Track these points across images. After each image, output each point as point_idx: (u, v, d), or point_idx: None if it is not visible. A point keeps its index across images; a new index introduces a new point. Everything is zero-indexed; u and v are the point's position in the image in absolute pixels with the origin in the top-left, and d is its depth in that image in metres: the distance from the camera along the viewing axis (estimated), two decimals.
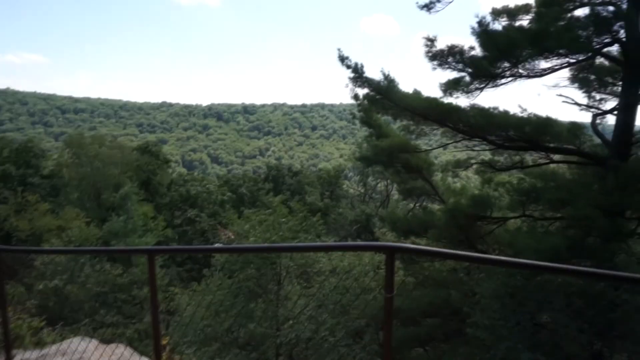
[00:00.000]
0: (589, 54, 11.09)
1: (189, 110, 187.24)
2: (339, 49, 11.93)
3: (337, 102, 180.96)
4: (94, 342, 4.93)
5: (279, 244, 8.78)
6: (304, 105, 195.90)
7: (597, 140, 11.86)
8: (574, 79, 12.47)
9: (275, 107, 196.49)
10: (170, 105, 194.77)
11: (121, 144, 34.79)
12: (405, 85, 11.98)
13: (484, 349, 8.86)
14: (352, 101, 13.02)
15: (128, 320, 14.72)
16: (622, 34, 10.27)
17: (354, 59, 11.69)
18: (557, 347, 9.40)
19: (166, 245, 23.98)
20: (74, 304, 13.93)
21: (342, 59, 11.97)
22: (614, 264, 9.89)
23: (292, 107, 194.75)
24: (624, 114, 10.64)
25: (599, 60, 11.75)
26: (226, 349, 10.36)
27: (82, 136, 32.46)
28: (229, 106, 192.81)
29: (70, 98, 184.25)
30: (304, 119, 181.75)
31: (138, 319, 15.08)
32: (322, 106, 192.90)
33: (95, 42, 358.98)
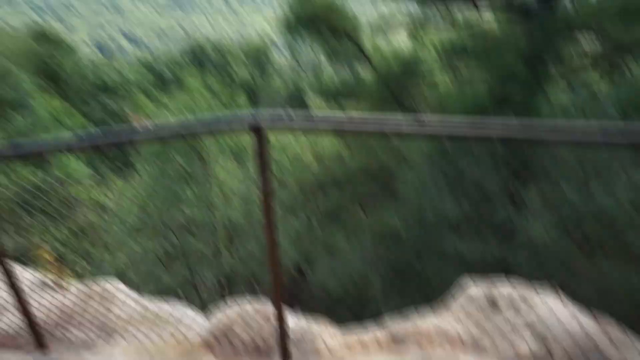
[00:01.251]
0: None
1: None
2: None
3: None
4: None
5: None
6: None
7: None
8: None
9: None
10: None
11: (10, 32, 29.89)
12: None
13: (413, 203, 9.24)
14: None
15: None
16: None
17: None
18: (478, 192, 9.99)
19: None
20: None
21: None
22: (534, 111, 10.18)
23: None
24: None
25: None
26: (162, 235, 10.20)
27: None
28: None
29: None
30: None
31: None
32: None
33: None
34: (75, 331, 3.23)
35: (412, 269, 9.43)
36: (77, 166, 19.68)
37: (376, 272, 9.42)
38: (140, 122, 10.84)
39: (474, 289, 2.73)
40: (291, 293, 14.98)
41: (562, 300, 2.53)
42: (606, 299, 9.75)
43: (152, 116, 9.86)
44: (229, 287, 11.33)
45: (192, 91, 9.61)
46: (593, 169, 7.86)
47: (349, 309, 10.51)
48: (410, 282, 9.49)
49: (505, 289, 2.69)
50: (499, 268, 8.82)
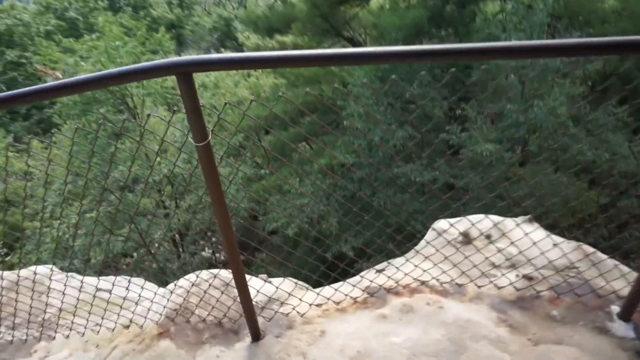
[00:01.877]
0: None
1: None
2: None
3: None
4: None
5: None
6: None
7: None
8: None
9: None
10: None
11: None
12: None
13: (361, 135, 9.03)
14: None
15: None
16: None
17: None
18: (424, 118, 9.94)
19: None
20: None
21: None
22: (471, 28, 9.99)
23: None
24: None
25: None
26: (102, 199, 9.44)
27: None
28: None
29: None
30: None
31: None
32: None
33: None
34: (2, 330, 2.79)
35: (367, 201, 9.42)
36: None
37: (332, 208, 9.33)
38: (51, 74, 9.59)
39: (448, 228, 2.55)
40: (246, 245, 14.85)
41: (538, 229, 2.41)
42: (542, 205, 10.38)
43: (64, 67, 8.67)
44: (184, 246, 10.95)
45: (107, 36, 8.45)
46: (530, 85, 7.93)
47: (311, 252, 10.52)
48: (367, 215, 9.51)
49: (481, 224, 2.53)
50: (447, 188, 9.00)
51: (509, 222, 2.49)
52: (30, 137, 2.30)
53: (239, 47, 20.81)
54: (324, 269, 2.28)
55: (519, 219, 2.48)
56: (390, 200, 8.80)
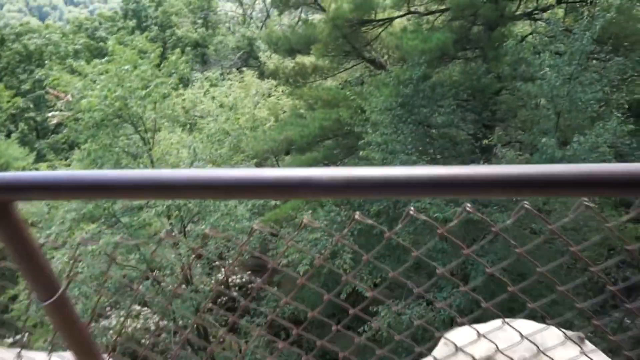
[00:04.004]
0: None
1: None
2: None
3: None
4: None
5: None
6: None
7: None
8: None
9: None
10: None
11: None
12: None
13: (378, 165, 8.42)
14: None
15: None
16: None
17: None
18: (448, 146, 9.27)
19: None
20: None
21: None
22: (499, 52, 9.34)
23: None
24: None
25: None
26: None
27: None
28: None
29: None
30: None
31: None
32: None
33: None
34: None
35: (382, 236, 8.76)
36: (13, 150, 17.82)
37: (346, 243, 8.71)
38: (62, 97, 9.40)
39: (468, 344, 1.92)
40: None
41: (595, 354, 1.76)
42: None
43: (70, 88, 8.45)
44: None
45: (118, 59, 8.17)
46: (568, 117, 7.20)
47: (322, 288, 9.89)
48: (382, 251, 8.87)
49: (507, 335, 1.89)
50: (473, 227, 8.26)
51: (549, 336, 1.84)
52: None
53: (261, 66, 20.58)
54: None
55: (570, 334, 1.83)
56: (409, 237, 8.12)
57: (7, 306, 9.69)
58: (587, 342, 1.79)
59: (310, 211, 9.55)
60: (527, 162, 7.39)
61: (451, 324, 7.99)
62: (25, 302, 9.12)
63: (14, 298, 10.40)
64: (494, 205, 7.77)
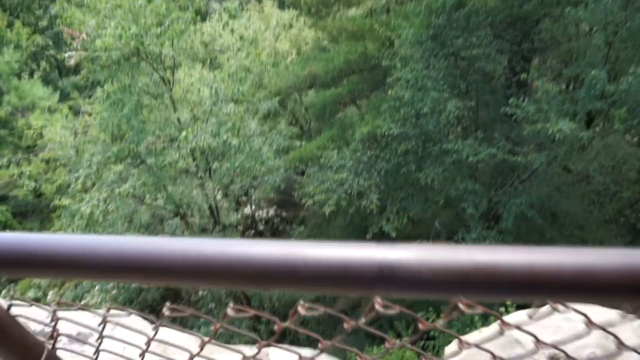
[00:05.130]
0: None
1: None
2: None
3: None
4: None
5: None
6: None
7: None
8: None
9: None
10: None
11: None
12: None
13: (408, 103, 8.02)
14: None
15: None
16: None
17: None
18: (483, 80, 8.72)
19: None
20: None
21: None
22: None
23: None
24: None
25: None
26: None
27: None
28: None
29: None
30: None
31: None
32: None
33: None
34: None
35: (410, 175, 8.56)
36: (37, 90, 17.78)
37: (372, 182, 8.55)
38: (78, 37, 9.08)
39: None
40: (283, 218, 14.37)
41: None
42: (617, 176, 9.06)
43: (84, 27, 8.10)
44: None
45: None
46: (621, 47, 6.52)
47: (347, 228, 9.90)
48: (410, 191, 8.69)
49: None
50: (506, 166, 7.94)
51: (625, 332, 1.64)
52: None
53: None
54: None
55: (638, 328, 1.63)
56: (438, 177, 7.87)
57: None
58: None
59: (335, 150, 9.33)
60: (571, 98, 6.86)
61: None
62: None
63: None
64: (530, 144, 7.38)
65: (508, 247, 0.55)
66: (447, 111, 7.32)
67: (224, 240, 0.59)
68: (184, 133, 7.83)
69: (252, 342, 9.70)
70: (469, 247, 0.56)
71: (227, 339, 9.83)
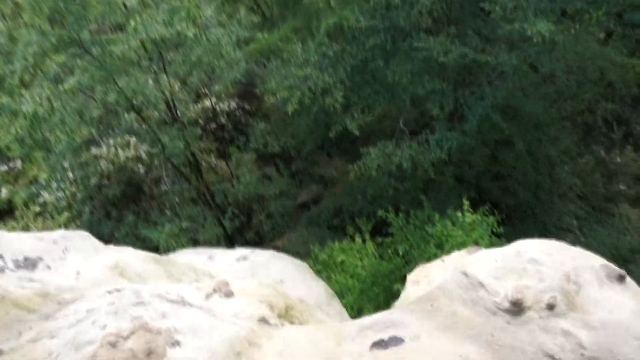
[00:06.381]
0: None
1: None
2: None
3: None
4: None
5: None
6: None
7: None
8: None
9: None
10: None
11: None
12: None
13: None
14: None
15: None
16: None
17: None
18: None
19: None
20: None
21: None
22: None
23: None
24: None
25: None
26: None
27: None
28: None
29: None
30: None
31: None
32: None
33: None
34: None
35: (378, 72, 8.25)
36: None
37: (337, 79, 8.19)
38: None
39: (487, 278, 1.74)
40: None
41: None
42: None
43: None
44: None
45: None
46: None
47: (311, 126, 9.69)
48: (376, 88, 8.44)
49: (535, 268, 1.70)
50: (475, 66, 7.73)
51: (586, 274, 1.65)
52: None
53: None
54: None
55: (600, 270, 1.64)
56: (406, 75, 7.60)
57: None
58: (629, 280, 1.60)
59: (299, 43, 8.73)
60: None
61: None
62: None
63: None
64: (502, 44, 7.11)
65: None
66: (420, 3, 6.82)
67: None
68: (132, 23, 7.00)
69: (217, 239, 10.00)
70: None
71: (193, 233, 10.06)
